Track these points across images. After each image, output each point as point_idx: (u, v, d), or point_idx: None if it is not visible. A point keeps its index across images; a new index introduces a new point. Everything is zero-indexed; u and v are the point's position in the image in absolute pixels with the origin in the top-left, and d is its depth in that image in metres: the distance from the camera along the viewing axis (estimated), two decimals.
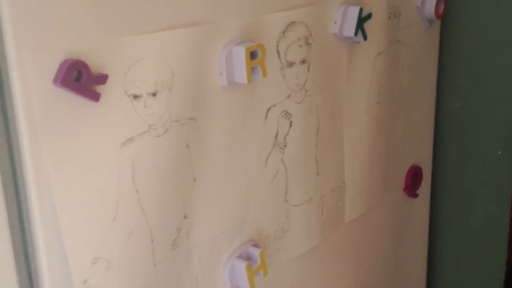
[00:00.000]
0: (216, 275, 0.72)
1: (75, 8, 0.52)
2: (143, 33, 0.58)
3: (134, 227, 0.60)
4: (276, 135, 0.77)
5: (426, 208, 1.19)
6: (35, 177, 0.52)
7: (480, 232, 1.18)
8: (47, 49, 0.51)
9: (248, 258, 0.75)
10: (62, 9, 0.52)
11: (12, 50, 0.49)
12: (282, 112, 0.76)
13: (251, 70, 0.67)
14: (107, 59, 0.55)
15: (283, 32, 0.73)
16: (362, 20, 0.81)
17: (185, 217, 0.66)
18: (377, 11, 0.87)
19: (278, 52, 0.73)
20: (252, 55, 0.67)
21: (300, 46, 0.76)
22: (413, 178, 1.09)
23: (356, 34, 0.81)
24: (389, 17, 0.92)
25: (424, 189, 1.16)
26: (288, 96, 0.77)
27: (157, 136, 0.61)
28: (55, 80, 0.52)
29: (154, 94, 0.60)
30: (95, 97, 0.55)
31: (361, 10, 0.80)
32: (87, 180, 0.55)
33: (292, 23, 0.74)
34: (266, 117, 0.74)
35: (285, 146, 0.78)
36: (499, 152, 1.12)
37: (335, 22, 0.81)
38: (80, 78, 0.53)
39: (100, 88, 0.55)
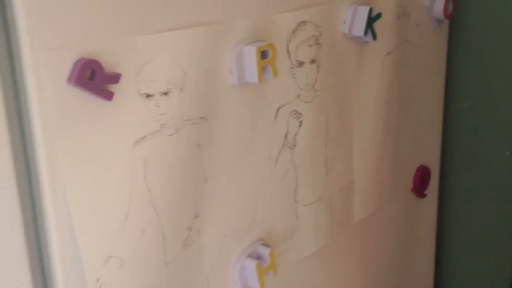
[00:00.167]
0: (226, 274, 0.73)
1: (89, 8, 0.53)
2: (155, 32, 0.58)
3: (146, 226, 0.61)
4: (286, 134, 0.77)
5: (433, 208, 1.19)
6: (49, 176, 0.53)
7: (488, 232, 1.18)
8: (61, 48, 0.51)
9: (258, 258, 0.75)
10: (76, 9, 0.52)
11: (27, 49, 0.49)
12: (292, 111, 0.77)
13: (262, 70, 0.67)
14: (120, 59, 0.55)
15: (293, 32, 0.73)
16: (371, 20, 0.81)
17: (196, 216, 0.67)
18: (386, 11, 0.87)
19: (288, 51, 0.74)
20: (263, 54, 0.68)
21: (310, 45, 0.76)
22: (421, 178, 1.09)
23: (365, 34, 0.81)
24: (398, 17, 0.92)
25: (432, 190, 1.16)
26: (298, 96, 0.77)
27: (169, 135, 0.62)
28: (69, 79, 0.52)
29: (166, 94, 0.60)
30: (108, 96, 0.55)
31: (370, 10, 0.80)
32: (100, 178, 0.56)
33: (302, 23, 0.74)
34: (276, 116, 0.75)
35: (295, 145, 0.78)
36: (507, 153, 1.12)
37: (345, 22, 0.81)
38: (93, 77, 0.53)
39: (113, 88, 0.55)
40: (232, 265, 0.73)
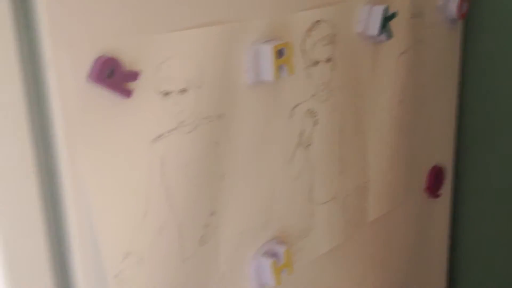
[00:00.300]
0: (242, 272, 0.73)
1: (109, 7, 0.53)
2: (174, 31, 0.59)
3: (164, 223, 0.61)
4: (301, 133, 0.77)
5: (447, 208, 1.19)
6: (70, 172, 0.53)
7: (502, 233, 1.18)
8: (82, 46, 0.52)
9: (273, 256, 0.75)
10: (96, 7, 0.52)
11: (49, 47, 0.50)
12: (307, 110, 0.77)
13: (278, 68, 0.68)
14: (139, 57, 0.56)
15: (309, 31, 0.74)
16: (386, 19, 0.81)
17: (212, 213, 0.67)
18: (401, 10, 0.87)
19: (303, 50, 0.74)
20: (279, 53, 0.68)
21: (325, 44, 0.76)
22: (435, 178, 1.09)
23: (380, 33, 0.81)
24: (412, 17, 0.92)
25: (446, 190, 1.15)
26: (313, 95, 0.77)
27: (186, 133, 0.62)
28: (89, 77, 0.52)
29: (183, 91, 0.61)
30: (127, 93, 0.56)
31: (386, 9, 0.80)
32: (119, 175, 0.56)
33: (318, 22, 0.74)
34: (291, 115, 0.75)
35: (310, 144, 0.79)
36: None
37: (360, 21, 0.81)
38: (112, 75, 0.54)
39: (131, 85, 0.56)
40: (248, 262, 0.73)
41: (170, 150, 0.61)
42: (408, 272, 1.11)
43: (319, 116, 0.79)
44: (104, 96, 0.54)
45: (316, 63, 0.76)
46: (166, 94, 0.59)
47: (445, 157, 1.14)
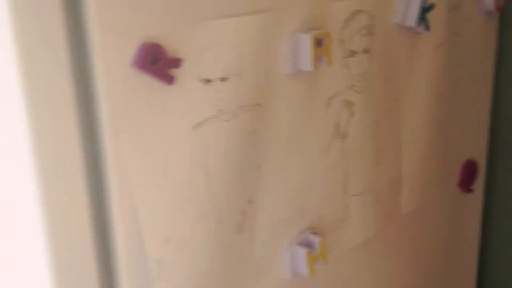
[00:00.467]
0: (277, 260, 0.73)
1: None
2: (216, 19, 0.59)
3: (203, 209, 0.62)
4: (337, 124, 0.77)
5: (479, 203, 1.18)
6: (114, 157, 0.54)
7: None
8: (128, 33, 0.52)
9: (308, 245, 0.75)
10: None
11: (96, 33, 0.51)
12: (344, 101, 0.77)
13: (317, 58, 0.68)
14: (182, 44, 0.57)
15: (347, 21, 0.73)
16: (424, 11, 0.81)
17: (249, 201, 0.68)
18: (438, 2, 0.86)
19: (341, 40, 0.74)
20: (318, 42, 0.68)
21: (363, 35, 0.76)
22: (468, 172, 1.08)
23: (418, 24, 0.81)
24: (449, 9, 0.91)
25: (478, 185, 1.14)
26: (350, 86, 0.77)
27: (225, 120, 0.62)
28: (133, 63, 0.53)
29: (224, 79, 0.61)
30: (170, 80, 0.56)
31: (424, 0, 0.80)
32: (161, 161, 0.57)
33: (357, 12, 0.74)
34: (328, 106, 0.75)
35: (346, 135, 0.78)
36: None
37: (398, 12, 0.80)
38: (156, 62, 0.55)
39: (174, 72, 0.56)
40: (283, 251, 0.73)
41: (210, 137, 0.61)
42: (439, 266, 1.10)
43: (355, 107, 0.78)
44: (147, 82, 0.55)
45: (354, 53, 0.76)
46: (208, 81, 0.60)
47: (478, 151, 1.13)
